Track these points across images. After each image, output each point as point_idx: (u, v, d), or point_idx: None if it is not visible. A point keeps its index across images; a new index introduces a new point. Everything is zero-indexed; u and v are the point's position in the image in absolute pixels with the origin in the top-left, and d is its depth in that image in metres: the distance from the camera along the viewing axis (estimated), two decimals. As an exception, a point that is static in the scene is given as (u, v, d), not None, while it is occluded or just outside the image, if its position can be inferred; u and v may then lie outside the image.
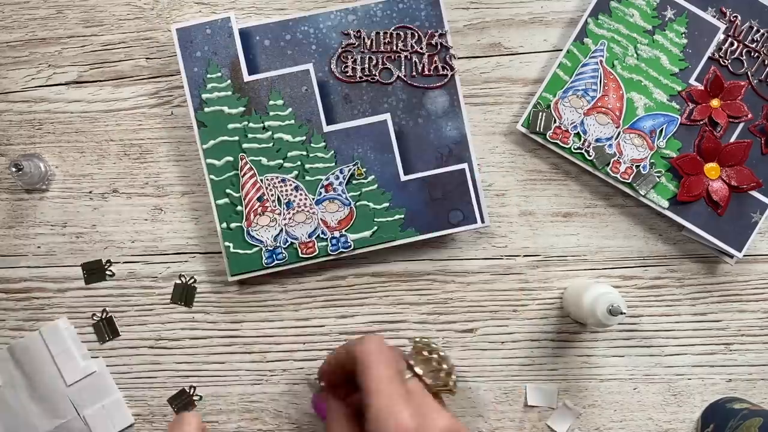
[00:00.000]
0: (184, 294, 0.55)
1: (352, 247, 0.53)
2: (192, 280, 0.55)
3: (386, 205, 0.53)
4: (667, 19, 0.54)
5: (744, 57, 0.54)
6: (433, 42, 0.53)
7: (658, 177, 0.54)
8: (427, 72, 0.53)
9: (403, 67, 0.53)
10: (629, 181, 0.54)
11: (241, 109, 0.52)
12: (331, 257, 0.53)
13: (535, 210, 0.56)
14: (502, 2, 0.56)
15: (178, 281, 0.55)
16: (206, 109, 0.52)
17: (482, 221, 0.53)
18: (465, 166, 0.53)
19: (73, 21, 0.55)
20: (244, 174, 0.52)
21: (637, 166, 0.54)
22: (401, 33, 0.53)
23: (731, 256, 0.55)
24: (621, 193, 0.55)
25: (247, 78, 0.52)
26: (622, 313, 0.47)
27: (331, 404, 0.43)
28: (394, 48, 0.53)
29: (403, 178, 0.53)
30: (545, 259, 0.56)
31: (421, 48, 0.53)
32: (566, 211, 0.56)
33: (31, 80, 0.55)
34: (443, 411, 0.38)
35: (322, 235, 0.53)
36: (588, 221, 0.56)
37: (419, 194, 0.53)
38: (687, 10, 0.54)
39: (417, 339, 0.42)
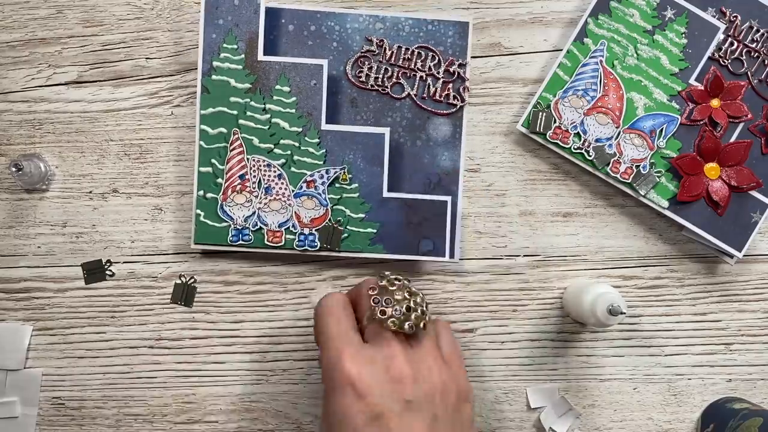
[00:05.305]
0: (184, 294, 0.55)
1: (317, 248, 0.53)
2: (192, 280, 0.55)
3: (362, 216, 0.53)
4: (667, 19, 0.54)
5: (744, 57, 0.54)
6: (452, 70, 0.53)
7: (658, 177, 0.54)
8: (438, 97, 0.53)
9: (416, 86, 0.53)
10: (629, 181, 0.54)
11: (247, 85, 0.52)
12: (296, 252, 0.53)
13: (535, 210, 0.56)
14: (502, 2, 0.56)
15: (178, 281, 0.55)
16: (213, 77, 0.52)
17: (451, 256, 0.53)
18: (449, 199, 0.53)
19: (73, 21, 0.55)
20: (233, 149, 0.52)
21: (637, 166, 0.54)
22: (422, 53, 0.53)
23: (731, 256, 0.55)
24: (621, 193, 0.55)
25: (260, 57, 0.52)
26: (622, 313, 0.47)
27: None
28: (412, 66, 0.53)
29: (386, 194, 0.53)
30: (545, 259, 0.56)
31: (439, 73, 0.53)
32: (566, 211, 0.56)
33: (31, 80, 0.55)
34: (397, 356, 0.41)
35: (292, 229, 0.53)
36: (588, 221, 0.56)
37: (397, 214, 0.53)
38: (687, 10, 0.54)
39: (388, 276, 0.44)
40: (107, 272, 0.55)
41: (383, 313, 0.42)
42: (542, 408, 0.55)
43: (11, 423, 0.54)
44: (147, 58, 0.55)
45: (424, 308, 0.44)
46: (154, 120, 0.55)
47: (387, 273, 0.45)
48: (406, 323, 0.42)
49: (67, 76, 0.55)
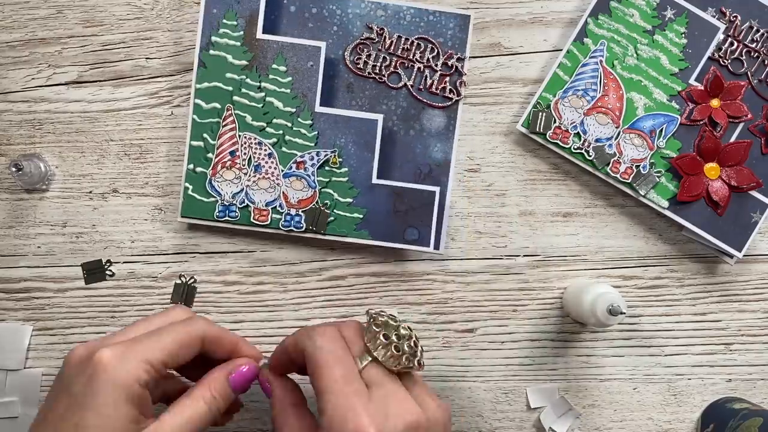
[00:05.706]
0: (184, 294, 0.55)
1: (303, 229, 0.53)
2: (192, 280, 0.55)
3: (349, 200, 0.53)
4: (667, 19, 0.54)
5: (744, 57, 0.54)
6: (450, 63, 0.53)
7: (658, 177, 0.54)
8: (434, 90, 0.53)
9: (413, 77, 0.53)
10: (629, 181, 0.54)
11: (244, 62, 0.53)
12: (281, 231, 0.53)
13: (535, 210, 0.56)
14: (502, 2, 0.56)
15: (178, 281, 0.55)
16: (211, 52, 0.53)
17: (436, 247, 0.53)
18: (437, 189, 0.53)
19: (73, 21, 0.55)
20: (226, 125, 0.53)
21: (637, 166, 0.54)
22: (422, 44, 0.53)
23: (731, 256, 0.55)
24: (621, 193, 0.55)
25: (259, 35, 0.53)
26: (622, 313, 0.47)
27: (276, 392, 0.40)
28: (410, 56, 0.53)
29: (375, 180, 0.53)
30: (545, 259, 0.56)
31: (437, 65, 0.53)
32: (566, 211, 0.56)
33: (31, 80, 0.55)
34: (407, 401, 0.36)
35: (279, 208, 0.53)
36: (588, 221, 0.56)
37: (385, 201, 0.53)
38: (687, 10, 0.54)
39: (374, 315, 0.39)
40: (107, 272, 0.55)
41: (396, 351, 0.37)
42: (542, 408, 0.55)
43: (11, 423, 0.54)
44: (147, 58, 0.55)
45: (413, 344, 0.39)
46: (154, 120, 0.55)
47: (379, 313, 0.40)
48: (405, 359, 0.37)
49: (67, 76, 0.55)
